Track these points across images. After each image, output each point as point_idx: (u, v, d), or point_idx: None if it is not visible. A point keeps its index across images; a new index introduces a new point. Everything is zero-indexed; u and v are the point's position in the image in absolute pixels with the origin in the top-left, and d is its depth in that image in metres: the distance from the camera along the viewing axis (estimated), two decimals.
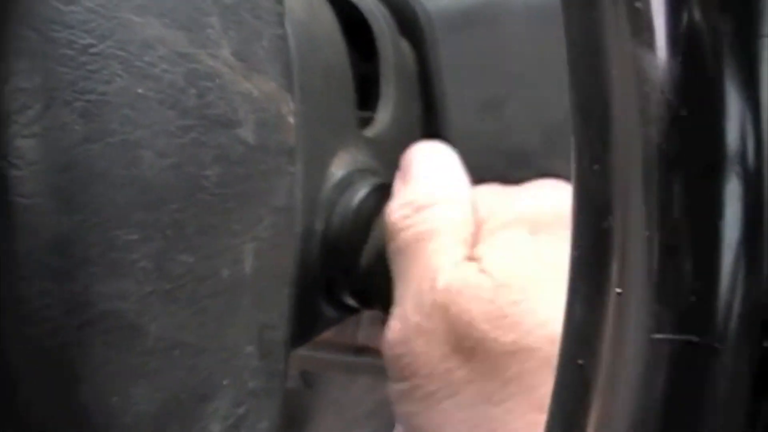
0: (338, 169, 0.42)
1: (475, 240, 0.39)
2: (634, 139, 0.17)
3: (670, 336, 0.17)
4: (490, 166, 0.49)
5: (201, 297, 0.30)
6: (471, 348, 0.35)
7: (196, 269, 0.29)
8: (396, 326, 0.38)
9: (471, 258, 0.38)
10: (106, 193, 0.27)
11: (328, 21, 0.44)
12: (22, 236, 0.25)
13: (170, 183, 0.28)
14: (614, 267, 0.17)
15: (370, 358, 0.77)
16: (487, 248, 0.38)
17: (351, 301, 0.43)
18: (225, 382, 0.31)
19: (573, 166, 0.18)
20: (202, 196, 0.29)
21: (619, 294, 0.17)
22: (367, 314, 0.77)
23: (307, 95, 0.40)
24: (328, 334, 0.78)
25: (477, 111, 0.52)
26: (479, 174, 0.49)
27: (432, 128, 0.52)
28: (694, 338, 0.17)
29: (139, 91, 0.28)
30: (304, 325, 0.43)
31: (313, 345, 0.79)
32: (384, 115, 0.49)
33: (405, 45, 0.52)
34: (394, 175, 0.45)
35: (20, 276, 0.25)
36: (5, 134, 0.25)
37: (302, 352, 0.79)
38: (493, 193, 0.43)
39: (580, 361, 0.18)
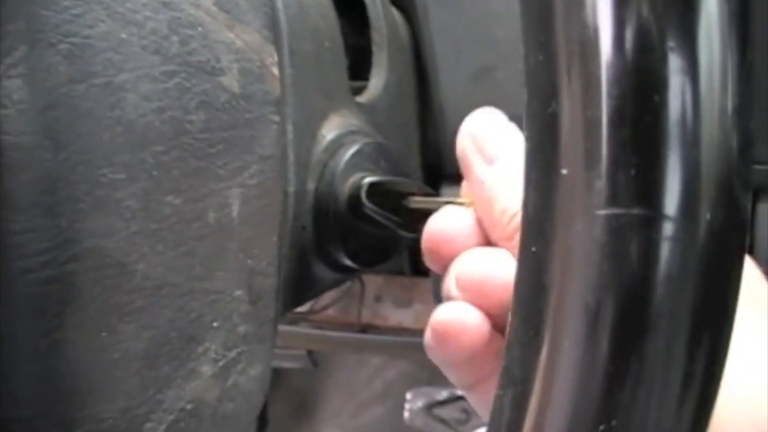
0: (329, 131, 0.43)
1: None
2: (573, 25, 0.18)
3: (614, 210, 0.17)
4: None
5: (188, 239, 0.31)
6: None
7: (183, 211, 0.30)
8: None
9: None
10: (91, 133, 0.27)
11: None
12: (9, 172, 0.26)
13: (155, 126, 0.29)
14: (560, 149, 0.18)
15: (375, 336, 0.78)
16: None
17: (346, 261, 0.44)
18: (215, 325, 0.32)
19: (523, 60, 0.19)
20: (186, 139, 0.30)
21: (564, 175, 0.18)
22: (370, 292, 0.78)
23: (297, 59, 0.41)
24: (332, 313, 0.79)
25: (469, 78, 0.52)
26: None
27: (425, 95, 0.53)
28: (637, 211, 0.17)
29: (123, 35, 0.29)
30: (301, 286, 0.43)
31: (318, 324, 0.80)
32: (377, 82, 0.49)
33: (397, 15, 0.53)
34: (388, 136, 0.46)
35: (8, 210, 0.26)
36: None
37: (308, 330, 0.80)
38: None
39: (533, 249, 0.19)
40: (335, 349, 0.99)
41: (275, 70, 0.34)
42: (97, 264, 0.28)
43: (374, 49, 0.50)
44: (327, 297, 0.74)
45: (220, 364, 0.32)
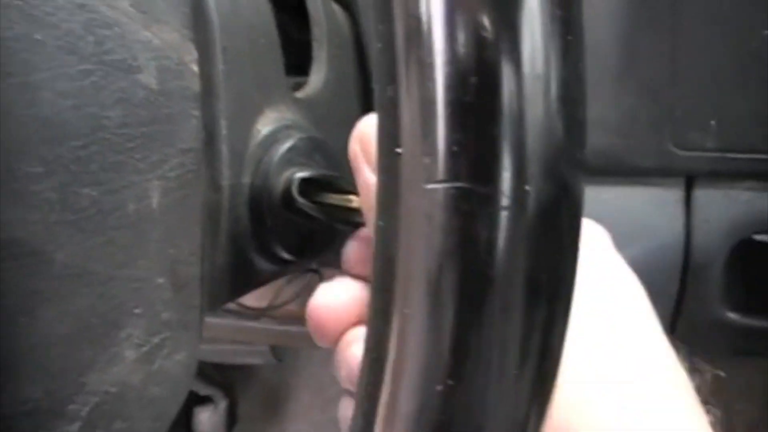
0: (264, 126, 0.44)
1: None
2: (406, 15, 0.19)
3: (440, 185, 0.19)
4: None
5: (107, 228, 0.32)
6: None
7: (101, 202, 0.32)
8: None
9: None
10: (7, 129, 0.29)
11: None
12: None
13: (71, 122, 0.31)
14: (397, 130, 0.20)
15: None
16: None
17: (283, 253, 0.45)
18: (137, 311, 0.33)
19: (371, 48, 0.21)
20: (104, 135, 0.32)
21: (400, 153, 0.19)
22: None
23: (230, 55, 0.42)
24: (293, 308, 0.81)
25: None
26: None
27: (367, 90, 0.54)
28: (460, 184, 0.19)
29: (38, 37, 0.30)
30: (239, 277, 0.45)
31: (279, 319, 0.81)
32: (316, 78, 0.51)
33: (338, 10, 0.54)
34: (329, 132, 0.47)
35: None
36: None
37: (269, 326, 0.82)
38: None
39: (381, 223, 0.21)
40: (298, 344, 1.01)
41: (194, 67, 0.36)
42: (15, 253, 0.29)
43: (314, 44, 0.51)
44: (287, 292, 0.75)
45: (144, 349, 0.34)
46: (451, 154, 0.19)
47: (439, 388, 0.20)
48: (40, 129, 0.30)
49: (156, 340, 0.34)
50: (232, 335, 0.79)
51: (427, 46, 0.19)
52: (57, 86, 0.30)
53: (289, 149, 0.44)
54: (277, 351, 1.07)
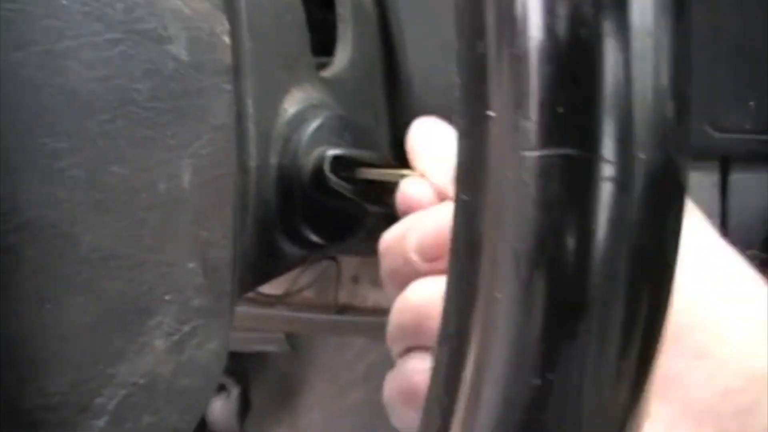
0: (291, 105, 0.42)
1: None
2: None
3: (542, 152, 0.17)
4: (451, 104, 0.49)
5: (137, 209, 0.30)
6: None
7: (131, 181, 0.30)
8: None
9: None
10: (32, 101, 0.27)
11: None
12: None
13: (99, 94, 0.29)
14: (487, 91, 0.17)
15: (352, 317, 0.77)
16: None
17: (312, 236, 0.44)
18: (167, 298, 0.31)
19: (454, 4, 0.19)
20: (133, 108, 0.30)
21: (492, 117, 0.17)
22: (347, 273, 0.77)
23: (256, 32, 0.40)
24: (309, 295, 0.79)
25: (437, 51, 0.52)
26: (442, 113, 0.49)
27: (392, 69, 0.52)
28: (566, 151, 0.17)
29: (63, 2, 0.28)
30: (266, 261, 0.43)
31: (295, 306, 0.79)
32: (342, 56, 0.49)
33: None
34: (354, 111, 0.45)
35: None
36: None
37: (285, 313, 0.80)
38: None
39: (465, 197, 0.18)
40: (313, 332, 0.99)
41: (226, 39, 0.34)
42: (41, 235, 0.27)
43: (339, 23, 0.49)
44: (303, 279, 0.73)
45: (175, 338, 0.32)
46: (556, 117, 0.16)
47: (536, 382, 0.17)
48: (66, 101, 0.28)
49: (187, 328, 0.32)
50: (247, 323, 0.77)
51: None
52: (83, 55, 0.28)
53: (318, 127, 0.42)
54: (291, 339, 1.05)
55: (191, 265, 0.32)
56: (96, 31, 0.29)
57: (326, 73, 0.47)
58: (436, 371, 0.20)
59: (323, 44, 0.49)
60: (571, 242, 0.17)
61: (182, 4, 0.32)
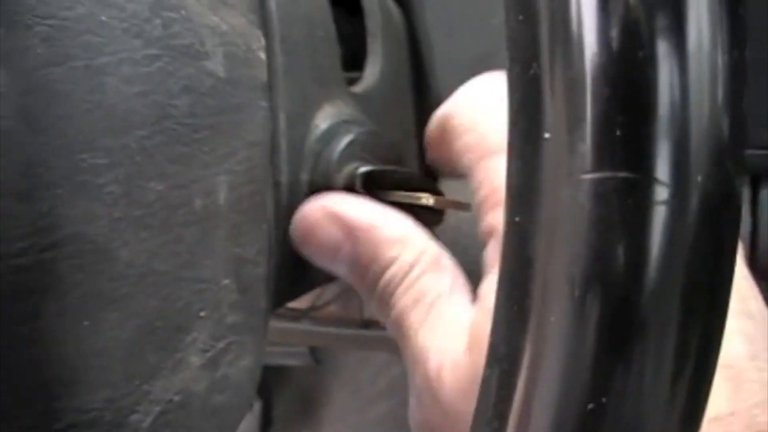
0: (323, 121, 0.42)
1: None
2: None
3: (599, 174, 0.16)
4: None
5: (173, 225, 0.30)
6: None
7: (168, 197, 0.30)
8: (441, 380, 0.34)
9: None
10: (70, 117, 0.27)
11: None
12: None
13: (137, 110, 0.29)
14: (542, 112, 0.17)
15: (377, 332, 0.77)
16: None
17: None
18: (202, 314, 0.31)
19: (505, 22, 0.18)
20: (170, 124, 0.30)
21: (547, 140, 0.17)
22: None
23: (288, 47, 0.40)
24: (334, 309, 0.78)
25: (466, 66, 0.51)
26: None
27: (421, 84, 0.52)
28: (624, 174, 0.16)
29: (102, 18, 0.28)
30: (296, 277, 0.43)
31: (320, 320, 0.79)
32: (372, 71, 0.49)
33: (391, 3, 0.52)
34: (385, 127, 0.45)
35: None
36: None
37: (309, 327, 0.79)
38: None
39: (517, 219, 0.18)
40: (338, 346, 0.99)
41: (262, 55, 0.34)
42: (78, 250, 0.27)
43: (369, 38, 0.49)
44: (329, 293, 0.73)
45: (209, 354, 0.32)
46: (613, 140, 0.16)
47: (589, 406, 0.17)
48: (105, 117, 0.28)
49: (221, 344, 0.32)
50: (271, 336, 0.76)
51: (581, 16, 0.17)
52: (122, 71, 0.28)
53: (350, 144, 0.42)
54: (315, 353, 1.05)
55: (226, 281, 0.32)
56: (134, 47, 0.29)
57: (356, 88, 0.47)
58: (485, 394, 0.20)
59: (352, 58, 0.49)
60: (625, 266, 0.17)
61: (219, 20, 0.32)
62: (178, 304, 0.30)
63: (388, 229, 0.38)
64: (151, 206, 0.29)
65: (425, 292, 0.36)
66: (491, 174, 0.35)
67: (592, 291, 0.17)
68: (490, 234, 0.35)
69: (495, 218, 0.34)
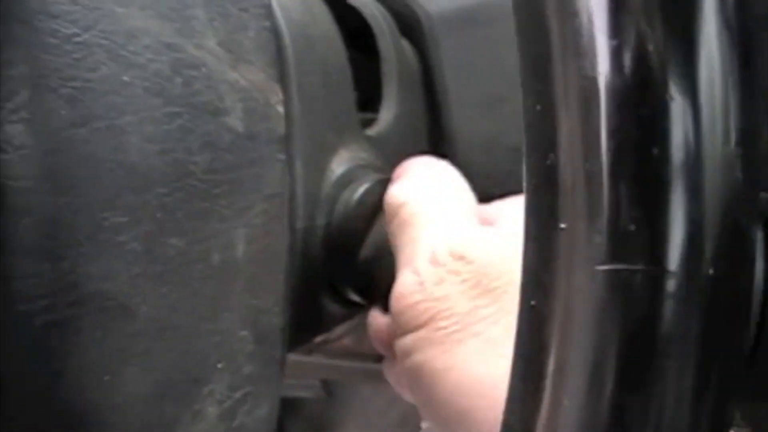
0: (339, 166, 0.43)
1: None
2: (570, 74, 0.17)
3: (615, 266, 0.17)
4: (494, 162, 0.50)
5: (192, 280, 0.30)
6: (498, 287, 0.36)
7: (187, 252, 0.30)
8: (408, 278, 0.38)
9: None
10: (93, 176, 0.27)
11: (325, 22, 0.44)
12: (11, 217, 0.26)
13: (158, 168, 0.29)
14: (558, 203, 0.18)
15: None
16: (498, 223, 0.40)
17: (355, 297, 0.44)
18: (219, 366, 0.32)
19: (523, 110, 0.19)
20: (190, 181, 0.30)
21: (563, 229, 0.17)
22: None
23: (305, 94, 0.41)
24: (347, 343, 0.78)
25: (479, 108, 0.52)
26: (483, 169, 0.50)
27: (436, 126, 0.52)
28: (637, 266, 0.17)
29: (125, 78, 0.29)
30: (309, 321, 0.43)
31: (332, 353, 0.79)
32: (387, 114, 0.49)
33: (406, 45, 0.52)
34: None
35: (9, 255, 0.26)
36: None
37: (322, 360, 0.80)
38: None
39: (533, 303, 0.19)
40: (350, 379, 0.99)
41: (280, 108, 0.34)
42: (100, 307, 0.28)
43: (384, 80, 0.50)
44: (342, 327, 0.73)
45: (226, 405, 0.32)
46: (628, 234, 0.17)
47: None
48: (126, 175, 0.28)
49: (238, 395, 0.33)
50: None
51: (597, 110, 0.17)
52: (144, 130, 0.29)
53: (366, 191, 0.42)
54: (327, 385, 1.05)
55: (243, 332, 0.33)
56: (155, 105, 0.29)
57: (371, 132, 0.47)
58: None
59: (367, 100, 0.49)
60: (639, 358, 0.17)
61: (238, 75, 0.32)
62: (196, 356, 0.31)
63: None
64: (171, 262, 0.30)
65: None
66: None
67: (605, 380, 0.17)
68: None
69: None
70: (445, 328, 0.36)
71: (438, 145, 0.53)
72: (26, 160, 0.26)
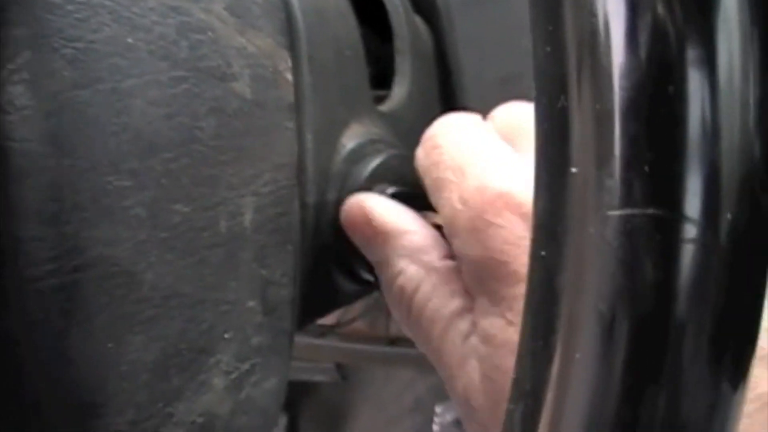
0: (350, 140, 0.42)
1: None
2: (582, 13, 0.17)
3: (627, 211, 0.16)
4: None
5: (198, 248, 0.30)
6: None
7: (193, 219, 0.29)
8: (458, 209, 0.35)
9: None
10: (97, 139, 0.27)
11: None
12: (13, 179, 0.26)
13: (163, 132, 0.29)
14: (569, 147, 0.17)
15: (404, 349, 0.76)
16: None
17: (367, 275, 0.43)
18: (226, 336, 0.31)
19: (533, 53, 0.18)
20: (196, 147, 0.30)
21: (574, 174, 0.17)
22: None
23: (316, 66, 0.40)
24: (361, 326, 0.78)
25: (494, 86, 0.51)
26: None
27: (449, 103, 0.52)
28: (652, 211, 0.16)
29: (129, 40, 0.28)
30: (321, 298, 0.42)
31: (346, 337, 0.79)
32: (400, 91, 0.49)
33: (420, 22, 0.52)
34: (413, 147, 0.45)
35: (14, 218, 0.26)
36: None
37: (336, 343, 0.79)
38: None
39: (543, 253, 0.18)
40: (364, 363, 0.99)
41: (289, 76, 0.34)
42: (104, 273, 0.27)
43: (397, 57, 0.49)
44: (355, 310, 0.73)
45: (233, 376, 0.32)
46: (640, 176, 0.16)
47: None
48: (131, 139, 0.28)
49: (245, 366, 0.32)
50: (297, 352, 0.76)
51: (608, 49, 0.16)
52: (149, 94, 0.28)
53: (378, 165, 0.42)
54: (342, 369, 1.05)
55: (251, 303, 0.32)
56: (161, 69, 0.29)
57: (384, 108, 0.47)
58: (507, 429, 0.19)
59: (380, 77, 0.48)
60: (653, 304, 0.16)
61: (246, 41, 0.32)
62: (203, 326, 0.30)
63: (405, 239, 0.38)
64: (176, 229, 0.29)
65: (437, 310, 0.36)
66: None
67: (619, 328, 0.17)
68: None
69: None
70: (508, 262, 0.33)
71: None
72: (28, 122, 0.26)
